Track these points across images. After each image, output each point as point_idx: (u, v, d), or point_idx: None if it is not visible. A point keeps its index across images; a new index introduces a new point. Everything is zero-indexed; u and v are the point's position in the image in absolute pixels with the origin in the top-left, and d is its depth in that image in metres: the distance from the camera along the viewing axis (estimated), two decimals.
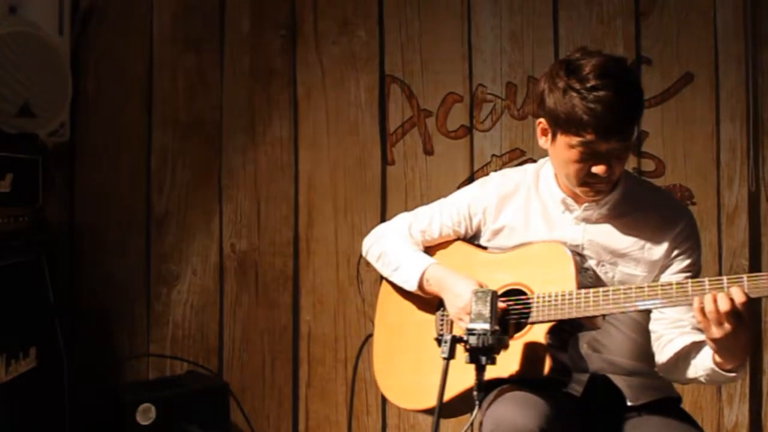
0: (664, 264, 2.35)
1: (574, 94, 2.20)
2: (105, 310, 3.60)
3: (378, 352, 2.61)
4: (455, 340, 2.19)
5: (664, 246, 2.34)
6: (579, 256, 2.37)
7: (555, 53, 3.53)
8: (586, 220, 2.39)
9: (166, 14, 3.70)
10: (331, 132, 3.65)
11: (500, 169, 2.65)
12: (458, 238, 2.55)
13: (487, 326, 2.19)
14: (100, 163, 3.71)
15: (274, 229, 3.66)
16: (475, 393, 2.17)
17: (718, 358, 2.17)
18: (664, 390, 2.42)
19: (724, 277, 2.12)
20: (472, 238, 2.55)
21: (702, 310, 2.08)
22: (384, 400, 3.52)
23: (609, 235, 2.37)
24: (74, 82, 3.39)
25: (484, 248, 2.51)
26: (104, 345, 3.58)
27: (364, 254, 2.64)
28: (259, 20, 3.67)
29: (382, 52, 3.62)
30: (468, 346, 2.17)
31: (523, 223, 2.45)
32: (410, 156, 3.60)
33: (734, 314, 2.05)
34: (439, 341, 2.20)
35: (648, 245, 2.35)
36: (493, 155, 3.55)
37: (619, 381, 2.39)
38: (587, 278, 2.35)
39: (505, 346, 2.23)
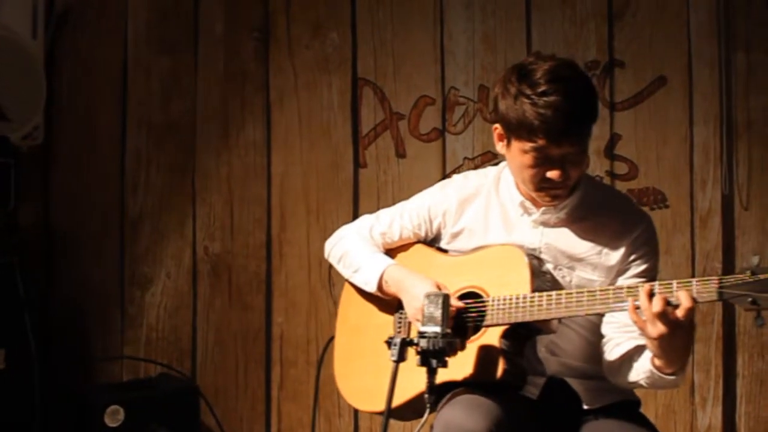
0: (621, 269, 2.35)
1: (525, 100, 2.21)
2: (79, 312, 3.62)
3: (338, 354, 2.62)
4: (405, 343, 2.20)
5: (621, 251, 2.34)
6: (536, 260, 2.37)
7: (527, 56, 3.53)
8: (545, 224, 2.39)
9: (141, 17, 3.72)
10: (303, 135, 3.66)
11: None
12: (419, 241, 2.56)
13: (438, 329, 2.19)
14: (74, 165, 3.73)
15: (247, 231, 3.67)
16: (426, 396, 2.19)
17: (657, 361, 2.18)
18: (622, 393, 2.42)
19: (674, 281, 2.13)
20: (433, 241, 2.55)
21: (634, 310, 2.10)
22: None
23: (566, 240, 2.38)
24: (48, 85, 3.41)
25: (445, 251, 2.52)
26: (78, 347, 3.60)
27: (326, 256, 2.65)
28: (232, 24, 3.69)
29: (355, 56, 3.64)
30: (419, 349, 2.19)
31: (482, 227, 2.45)
32: (382, 159, 3.61)
33: (665, 316, 2.06)
34: (389, 344, 2.21)
35: (605, 250, 2.35)
36: (466, 158, 3.56)
37: (576, 384, 2.39)
38: (545, 282, 2.35)
39: (457, 349, 2.25)
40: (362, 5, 3.63)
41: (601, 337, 2.38)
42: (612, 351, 2.34)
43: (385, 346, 2.41)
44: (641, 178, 3.53)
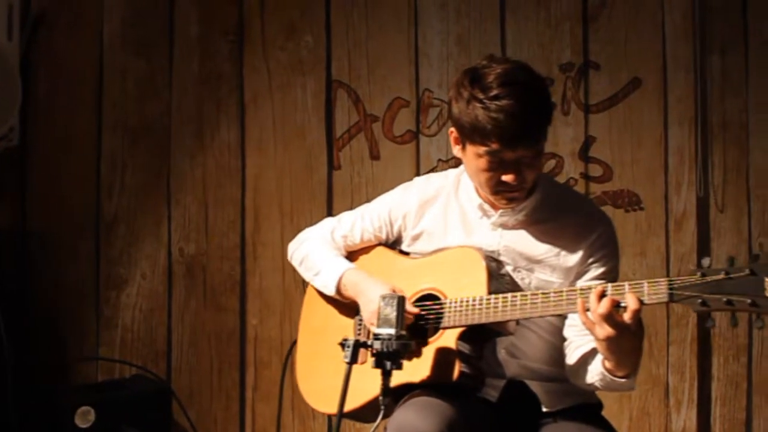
0: (579, 271, 2.35)
1: (477, 104, 2.21)
2: (55, 313, 3.63)
3: (300, 356, 2.63)
4: (358, 345, 2.21)
5: (579, 253, 2.35)
6: (496, 262, 2.37)
7: None
8: (503, 226, 2.39)
9: (116, 19, 3.73)
10: (277, 137, 3.67)
11: None
12: (380, 244, 2.56)
13: (392, 331, 2.20)
14: (50, 167, 3.74)
15: (221, 233, 3.68)
16: (380, 398, 2.20)
17: (607, 364, 2.19)
18: (583, 396, 2.42)
19: (626, 283, 2.13)
20: (395, 243, 2.55)
21: (583, 311, 2.10)
22: None
23: (525, 242, 2.38)
24: (24, 87, 3.42)
25: (407, 254, 2.52)
26: (54, 348, 3.61)
27: (289, 259, 2.65)
28: (207, 26, 3.70)
29: (329, 58, 3.64)
30: (373, 351, 2.19)
31: (441, 229, 2.46)
32: (356, 161, 3.62)
33: (611, 318, 2.06)
34: (343, 346, 2.21)
35: (563, 252, 2.36)
36: (440, 160, 3.56)
37: (536, 387, 2.39)
38: (504, 284, 2.35)
39: (412, 351, 2.25)
40: (336, 7, 3.64)
41: (564, 339, 2.38)
42: (572, 354, 2.34)
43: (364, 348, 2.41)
44: (616, 180, 3.52)
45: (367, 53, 3.62)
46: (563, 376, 2.39)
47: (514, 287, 2.36)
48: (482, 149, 2.24)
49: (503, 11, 3.56)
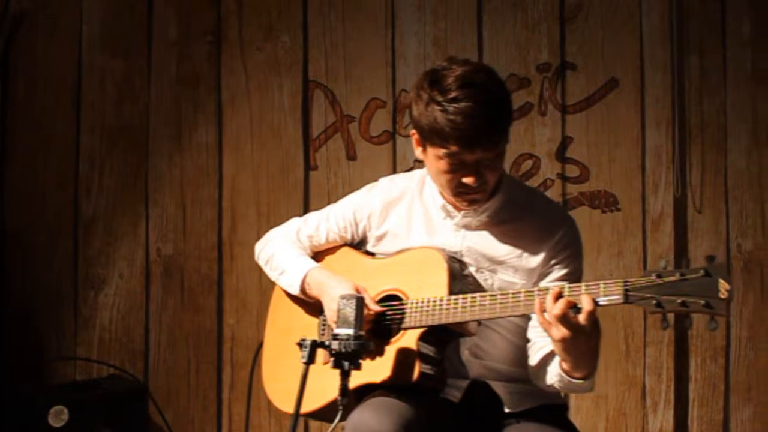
0: (542, 272, 2.36)
1: (436, 107, 2.22)
2: (33, 312, 3.65)
3: (266, 355, 2.63)
4: (315, 345, 2.22)
5: (542, 255, 2.35)
6: (459, 263, 2.38)
7: (479, 58, 3.55)
8: (466, 227, 2.40)
9: (95, 20, 3.74)
10: (254, 137, 3.68)
11: None
12: (346, 244, 2.57)
13: (350, 331, 2.21)
14: (28, 167, 3.76)
15: (199, 233, 3.70)
16: (338, 398, 2.20)
17: (564, 365, 2.20)
18: (546, 397, 2.42)
19: (582, 284, 2.13)
20: (360, 244, 2.56)
21: (540, 311, 2.11)
22: None
23: (487, 243, 2.38)
24: (3, 87, 3.43)
25: (372, 254, 2.53)
26: (32, 348, 3.62)
27: (255, 258, 2.66)
28: (186, 27, 3.71)
29: (306, 58, 3.65)
30: (331, 352, 2.20)
31: (405, 230, 2.47)
32: (333, 161, 3.63)
33: (566, 319, 2.07)
34: (300, 345, 2.22)
35: (525, 254, 2.36)
36: (416, 160, 3.55)
37: (499, 387, 2.40)
38: (467, 285, 2.36)
39: (372, 352, 2.26)
40: (314, 8, 3.65)
41: (528, 340, 2.38)
42: (535, 355, 2.35)
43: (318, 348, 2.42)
44: (593, 180, 3.53)
45: (344, 54, 3.63)
46: (527, 376, 2.39)
47: (478, 288, 2.36)
48: (442, 151, 2.25)
49: (480, 12, 3.57)
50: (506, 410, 2.38)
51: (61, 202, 3.74)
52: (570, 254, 2.37)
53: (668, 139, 3.49)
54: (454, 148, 2.22)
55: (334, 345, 2.19)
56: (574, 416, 3.48)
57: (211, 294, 3.68)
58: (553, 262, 2.35)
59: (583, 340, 2.10)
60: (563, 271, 2.35)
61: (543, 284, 2.33)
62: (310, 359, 2.20)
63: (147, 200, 3.73)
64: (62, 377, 3.65)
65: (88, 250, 3.73)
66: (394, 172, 3.56)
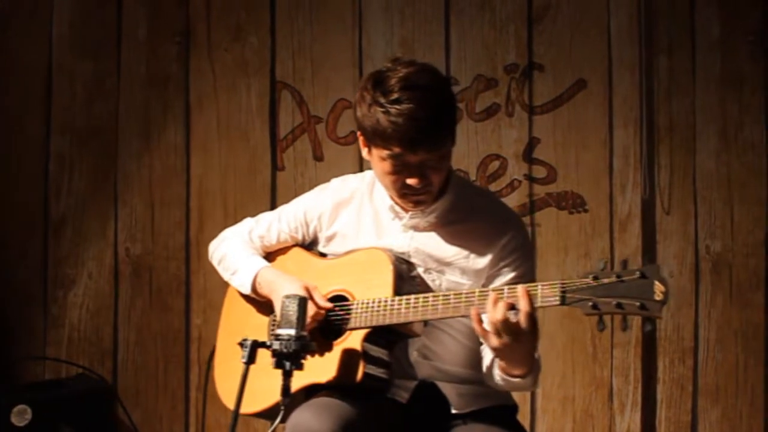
0: (491, 274, 2.36)
1: (378, 108, 2.22)
2: (2, 312, 3.66)
3: (218, 355, 2.64)
4: (256, 345, 2.23)
5: (489, 257, 2.35)
6: (407, 264, 2.38)
7: (446, 59, 3.56)
8: (414, 228, 2.40)
9: (65, 21, 3.75)
10: (222, 138, 3.69)
11: None
12: (297, 244, 2.58)
13: (292, 331, 2.22)
14: None
15: (167, 233, 3.71)
16: (280, 398, 2.21)
17: (501, 363, 2.20)
18: (496, 398, 2.43)
19: (520, 286, 2.13)
20: (312, 244, 2.57)
21: (478, 321, 2.12)
22: None
23: (435, 244, 2.39)
24: None
25: (324, 255, 2.54)
26: (1, 347, 3.64)
27: (209, 258, 2.67)
28: (155, 28, 3.72)
29: (274, 59, 3.66)
30: (273, 352, 2.21)
31: (354, 230, 2.48)
32: (300, 162, 3.64)
33: (505, 322, 2.08)
34: (242, 345, 2.23)
35: (473, 255, 2.36)
36: None
37: (447, 388, 2.40)
38: (414, 286, 2.36)
39: (314, 352, 2.27)
40: (281, 9, 3.65)
41: (477, 341, 2.38)
42: (486, 356, 2.35)
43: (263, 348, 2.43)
44: (560, 181, 3.53)
45: (311, 55, 3.64)
46: (478, 378, 2.39)
47: (426, 289, 2.36)
48: (385, 153, 2.26)
49: (447, 13, 3.57)
50: (453, 411, 2.38)
51: (31, 203, 3.75)
52: (519, 257, 2.37)
53: (636, 140, 3.49)
54: (396, 150, 2.23)
55: (276, 345, 2.20)
56: (541, 417, 3.52)
57: (179, 294, 3.70)
58: (501, 264, 2.35)
59: (520, 343, 2.11)
60: (513, 274, 2.35)
61: (493, 286, 2.34)
62: (251, 359, 2.21)
63: (116, 200, 3.74)
64: (32, 377, 3.67)
65: (57, 250, 3.74)
66: (361, 172, 3.56)
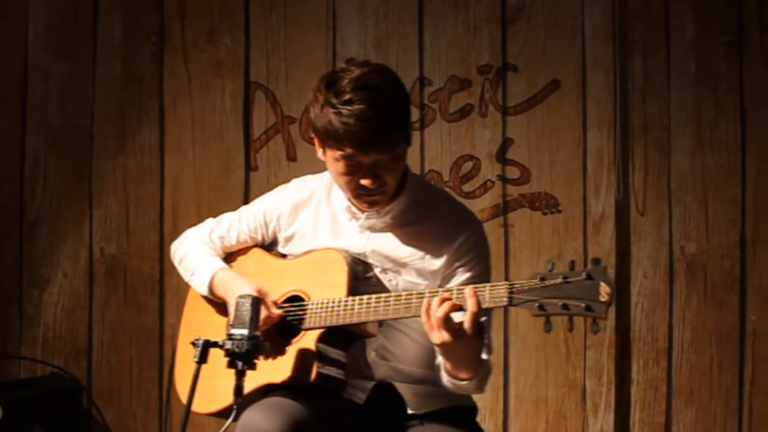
0: (446, 274, 2.36)
1: (330, 109, 2.23)
2: None
3: (179, 356, 2.65)
4: (207, 345, 2.23)
5: (444, 257, 2.35)
6: (363, 265, 2.39)
7: (420, 60, 3.56)
8: (371, 229, 2.40)
9: (41, 21, 3.78)
10: (196, 138, 3.70)
11: None
12: (257, 245, 2.58)
13: (245, 331, 2.22)
14: None
15: (141, 233, 3.73)
16: (233, 398, 2.22)
17: (447, 365, 2.20)
18: (453, 399, 2.42)
19: (467, 287, 2.13)
20: (272, 245, 2.57)
21: (426, 313, 2.12)
22: None
23: (391, 244, 2.39)
24: None
25: (284, 255, 2.54)
26: None
27: (171, 258, 2.68)
28: (130, 29, 3.74)
29: (248, 60, 3.67)
30: (226, 352, 2.21)
31: (311, 231, 2.48)
32: (273, 162, 3.65)
33: (448, 321, 2.09)
34: (194, 345, 2.24)
35: (428, 256, 2.36)
36: None
37: (404, 389, 2.40)
38: (371, 286, 2.36)
39: (267, 352, 2.27)
40: (255, 10, 3.67)
41: None
42: (438, 357, 2.35)
43: (216, 348, 2.44)
44: (533, 182, 3.52)
45: (285, 55, 3.64)
46: (435, 378, 2.38)
47: (382, 290, 2.36)
48: (338, 153, 2.26)
49: (421, 14, 3.57)
50: (410, 412, 2.39)
51: (6, 202, 3.78)
52: (474, 257, 2.36)
53: (610, 141, 3.48)
54: (349, 151, 2.24)
55: (228, 345, 2.21)
56: (514, 418, 3.52)
57: (153, 293, 3.71)
58: (456, 264, 2.35)
59: (463, 345, 2.11)
60: (467, 275, 2.34)
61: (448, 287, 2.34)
62: (202, 359, 2.22)
63: (91, 200, 3.76)
64: (7, 376, 3.69)
65: (32, 250, 3.76)
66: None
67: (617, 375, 3.46)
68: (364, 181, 2.27)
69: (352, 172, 2.27)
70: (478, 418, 2.52)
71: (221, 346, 2.22)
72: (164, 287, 3.70)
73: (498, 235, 3.51)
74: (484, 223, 3.47)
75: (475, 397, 3.36)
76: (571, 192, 3.50)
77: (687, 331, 3.46)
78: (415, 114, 3.56)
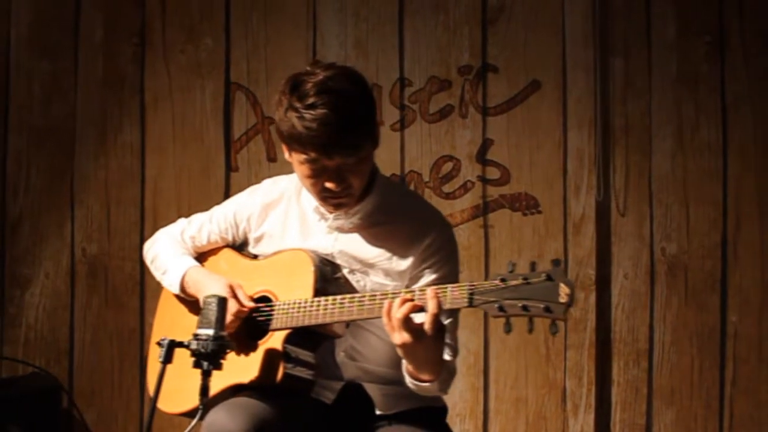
0: (414, 275, 2.36)
1: (293, 113, 2.23)
2: None
3: (152, 355, 2.65)
4: (173, 345, 2.24)
5: (411, 258, 2.35)
6: (331, 265, 2.39)
7: (400, 61, 3.57)
8: (339, 229, 2.40)
9: (23, 21, 3.79)
10: (177, 139, 3.71)
11: None
12: (227, 245, 2.59)
13: (211, 332, 2.23)
14: None
15: (123, 233, 3.73)
16: (198, 398, 2.22)
17: (409, 367, 2.20)
18: (423, 400, 2.41)
19: (430, 288, 2.13)
20: (243, 245, 2.58)
21: (387, 314, 2.12)
22: None
23: (359, 245, 2.39)
24: None
25: (256, 256, 2.54)
26: None
27: (144, 257, 2.68)
28: (112, 29, 3.75)
29: (228, 60, 3.68)
30: (191, 352, 2.22)
31: (280, 232, 2.48)
32: (254, 163, 3.65)
33: (408, 322, 2.08)
34: (159, 345, 2.25)
35: (395, 257, 2.36)
36: None
37: (373, 390, 2.40)
38: (338, 287, 2.36)
39: (232, 352, 2.27)
40: (236, 11, 3.67)
41: None
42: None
43: (182, 348, 2.44)
44: (513, 183, 3.52)
45: (265, 56, 3.65)
46: (403, 379, 2.39)
47: (350, 290, 2.36)
48: (303, 157, 2.26)
49: (401, 14, 3.58)
50: (378, 412, 2.39)
51: None
52: (441, 258, 2.36)
53: (591, 142, 3.48)
54: (312, 155, 2.24)
55: (194, 345, 2.21)
56: (494, 419, 3.51)
57: (134, 293, 3.72)
58: (423, 265, 2.35)
59: (424, 346, 2.11)
60: (434, 276, 2.34)
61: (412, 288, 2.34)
62: (167, 358, 2.22)
63: (72, 200, 3.77)
64: None
65: (14, 250, 3.77)
66: None
67: (597, 376, 3.46)
68: (329, 184, 2.27)
69: (317, 175, 2.27)
70: (458, 419, 2.52)
71: (187, 346, 2.22)
72: (145, 287, 3.70)
73: (478, 236, 3.51)
74: (464, 223, 3.55)
75: (455, 398, 3.40)
76: (551, 193, 3.50)
77: (668, 332, 3.46)
78: (395, 115, 3.59)
